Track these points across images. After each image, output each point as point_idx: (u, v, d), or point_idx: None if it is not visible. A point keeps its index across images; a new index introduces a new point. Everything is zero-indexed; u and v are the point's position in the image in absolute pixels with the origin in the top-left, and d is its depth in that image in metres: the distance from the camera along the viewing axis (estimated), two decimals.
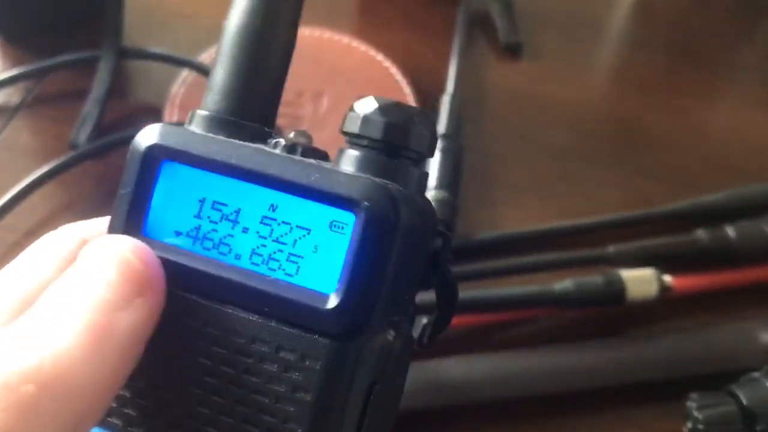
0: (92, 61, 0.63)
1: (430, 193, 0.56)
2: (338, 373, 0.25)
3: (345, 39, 0.67)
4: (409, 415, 0.47)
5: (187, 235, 0.27)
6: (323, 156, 0.27)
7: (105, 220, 0.29)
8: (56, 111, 0.63)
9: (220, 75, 0.28)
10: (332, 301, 0.25)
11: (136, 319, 0.25)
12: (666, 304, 0.54)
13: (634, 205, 0.60)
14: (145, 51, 0.65)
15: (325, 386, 0.25)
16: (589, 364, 0.51)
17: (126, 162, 0.27)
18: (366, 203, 0.24)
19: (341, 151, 0.27)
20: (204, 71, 0.63)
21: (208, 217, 0.26)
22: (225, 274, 0.26)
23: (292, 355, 0.25)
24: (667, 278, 0.54)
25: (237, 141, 0.26)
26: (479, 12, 0.73)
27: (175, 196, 0.27)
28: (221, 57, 0.28)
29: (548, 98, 0.68)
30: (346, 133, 0.27)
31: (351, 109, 0.27)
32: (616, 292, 0.53)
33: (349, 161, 0.26)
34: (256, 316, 0.25)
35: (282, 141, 0.26)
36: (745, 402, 0.46)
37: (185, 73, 0.63)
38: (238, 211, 0.26)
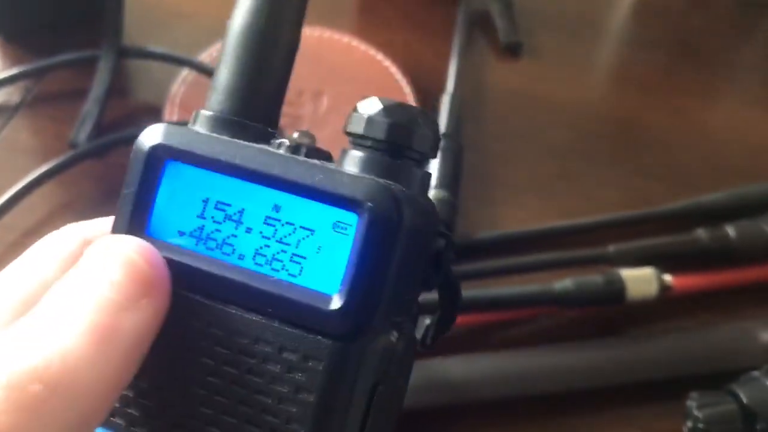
0: (92, 60, 0.63)
1: (430, 193, 0.56)
2: (341, 374, 0.25)
3: (345, 38, 0.67)
4: (409, 414, 0.47)
5: (191, 235, 0.27)
6: (327, 156, 0.27)
7: (107, 220, 0.29)
8: (56, 110, 0.63)
9: (223, 75, 0.28)
10: (335, 302, 0.25)
11: (141, 320, 0.25)
12: (666, 303, 0.54)
13: (634, 205, 0.60)
14: (145, 50, 0.65)
15: (327, 387, 0.25)
16: (589, 363, 0.51)
17: (129, 162, 0.27)
18: (369, 204, 0.24)
19: (344, 152, 0.27)
20: (204, 70, 0.63)
21: (212, 217, 0.26)
22: (228, 275, 0.26)
23: (295, 355, 0.25)
24: (667, 278, 0.54)
25: (241, 141, 0.26)
26: (479, 12, 0.73)
27: (179, 196, 0.27)
28: (225, 57, 0.28)
29: (548, 98, 0.68)
30: (349, 134, 0.27)
31: (355, 109, 0.27)
32: (616, 291, 0.53)
33: (352, 162, 0.26)
34: (260, 317, 0.25)
35: (286, 141, 0.26)
36: (745, 401, 0.46)
37: (185, 73, 0.63)
38: (241, 212, 0.26)
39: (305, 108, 0.63)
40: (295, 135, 0.27)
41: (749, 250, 0.56)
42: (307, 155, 0.26)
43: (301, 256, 0.25)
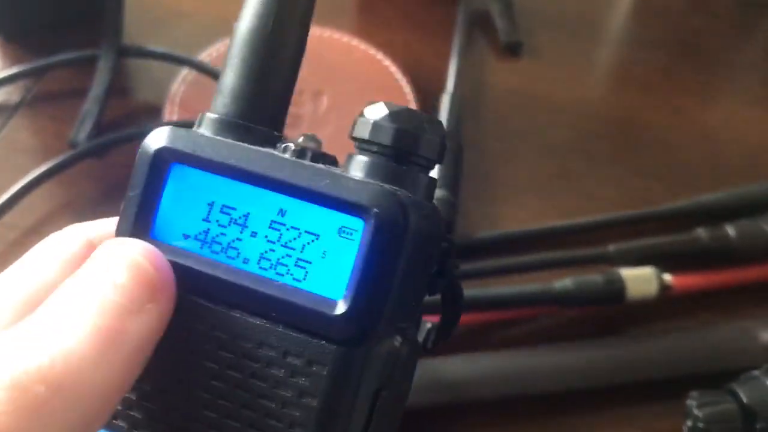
0: (92, 59, 0.63)
1: None
2: (345, 379, 0.25)
3: (345, 38, 0.67)
4: (410, 413, 0.47)
5: (196, 238, 0.27)
6: (332, 161, 0.27)
7: (110, 221, 0.29)
8: (56, 109, 0.63)
9: (229, 78, 0.28)
10: (340, 307, 0.25)
11: (146, 323, 0.25)
12: (666, 302, 0.54)
13: (634, 204, 0.60)
14: (145, 49, 0.65)
15: (331, 392, 0.25)
16: (589, 363, 0.51)
17: (134, 164, 0.27)
18: (375, 210, 0.24)
19: (350, 157, 0.27)
20: (204, 70, 0.62)
21: (217, 221, 0.26)
22: (233, 278, 0.26)
23: (299, 360, 0.25)
24: (667, 277, 0.54)
25: (246, 145, 0.26)
26: (479, 11, 0.73)
27: (184, 199, 0.27)
28: (231, 60, 0.28)
29: (548, 97, 0.68)
30: (355, 139, 0.27)
31: (361, 114, 0.27)
32: (616, 290, 0.53)
33: (358, 167, 0.26)
34: (264, 321, 0.25)
35: (291, 145, 0.26)
36: (745, 400, 0.46)
37: (185, 72, 0.63)
38: (246, 215, 0.26)
39: (305, 107, 0.63)
40: (301, 139, 0.27)
41: (749, 249, 0.56)
42: (312, 159, 0.26)
43: (306, 261, 0.25)
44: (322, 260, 0.25)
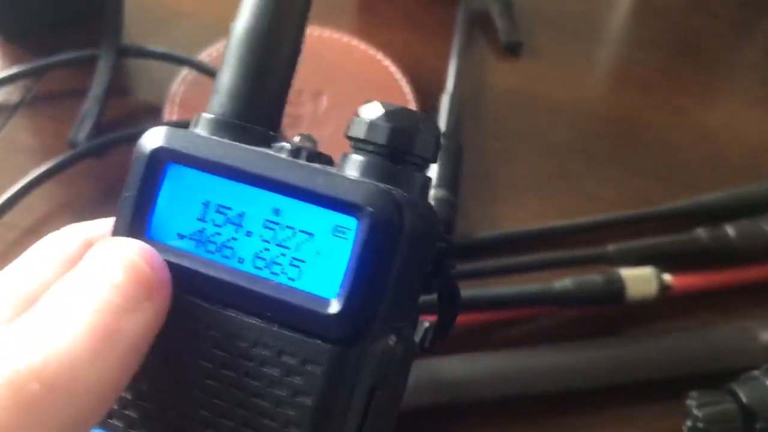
0: (92, 59, 0.63)
1: (430, 192, 0.56)
2: (339, 378, 0.25)
3: (345, 38, 0.67)
4: (409, 413, 0.48)
5: (191, 237, 0.27)
6: (328, 160, 0.27)
7: (108, 221, 0.29)
8: (55, 109, 0.63)
9: (226, 78, 0.28)
10: (334, 306, 0.25)
11: (142, 322, 0.25)
12: (666, 302, 0.54)
13: (634, 204, 0.60)
14: (145, 49, 0.65)
15: (326, 391, 0.25)
16: (588, 362, 0.51)
17: (131, 164, 0.27)
18: (369, 208, 0.24)
19: (345, 156, 0.27)
20: (204, 70, 0.62)
21: (212, 221, 0.26)
22: (228, 278, 0.26)
23: (294, 359, 0.25)
24: (667, 277, 0.54)
25: (242, 144, 0.27)
26: (479, 11, 0.73)
27: (180, 199, 0.27)
28: (228, 60, 0.28)
29: (548, 97, 0.68)
30: (351, 138, 0.27)
31: (356, 114, 0.27)
32: (615, 290, 0.53)
33: (353, 166, 0.26)
34: (259, 320, 0.25)
35: (287, 145, 0.26)
36: (744, 400, 0.46)
37: (185, 72, 0.63)
38: (242, 215, 0.26)
39: (305, 107, 0.63)
40: (297, 139, 0.27)
41: (749, 249, 0.56)
42: (308, 159, 0.26)
43: (301, 260, 0.25)
44: (316, 259, 0.25)
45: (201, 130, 0.28)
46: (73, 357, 0.23)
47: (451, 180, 0.58)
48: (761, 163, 0.64)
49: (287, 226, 0.25)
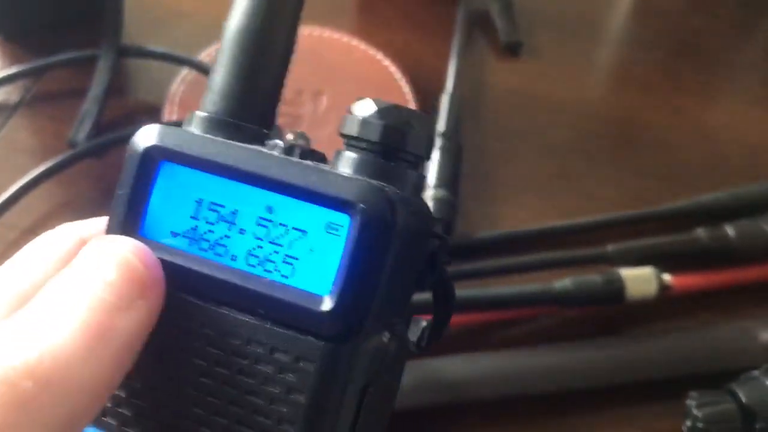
0: (91, 59, 0.63)
1: (430, 192, 0.56)
2: (332, 375, 0.25)
3: (345, 38, 0.67)
4: (409, 412, 0.48)
5: (184, 235, 0.27)
6: (321, 158, 0.27)
7: (102, 220, 0.29)
8: (55, 109, 0.63)
9: (219, 76, 0.28)
10: (327, 303, 0.25)
11: (135, 320, 0.25)
12: (665, 302, 0.54)
13: (634, 204, 0.60)
14: (145, 49, 0.65)
15: (319, 388, 0.25)
16: (588, 362, 0.51)
17: (124, 162, 0.27)
18: (362, 205, 0.24)
19: (339, 153, 0.27)
20: (203, 70, 0.62)
21: (205, 218, 0.26)
22: (221, 275, 0.26)
23: (287, 356, 0.25)
24: (667, 277, 0.54)
25: (235, 142, 0.26)
26: (479, 11, 0.73)
27: (173, 197, 0.27)
28: (221, 58, 0.28)
29: (548, 97, 0.68)
30: (344, 135, 0.27)
31: (349, 111, 0.27)
32: (615, 291, 0.53)
33: (346, 163, 0.26)
34: (252, 318, 0.25)
35: (280, 143, 0.26)
36: (744, 400, 0.46)
37: (185, 72, 0.63)
38: (234, 213, 0.26)
39: (305, 107, 0.63)
40: (290, 136, 0.27)
41: (749, 249, 0.56)
42: (301, 156, 0.26)
43: (294, 257, 0.25)
44: (309, 256, 0.25)
45: (194, 128, 0.28)
46: (67, 355, 0.23)
47: (450, 180, 0.58)
48: (761, 163, 0.64)
49: (280, 224, 0.25)
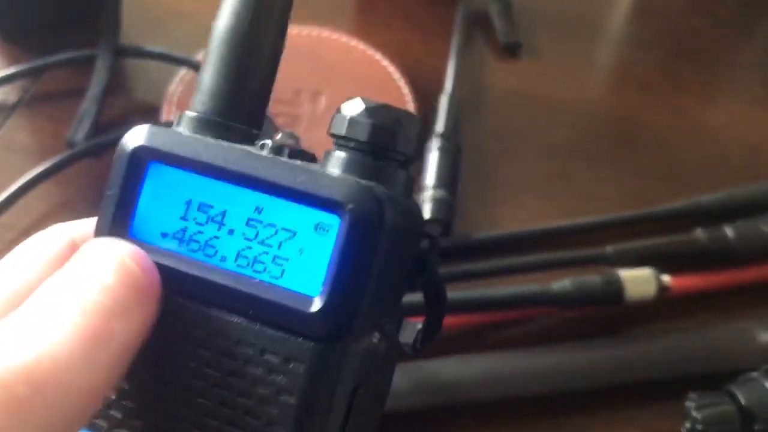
0: (90, 59, 0.63)
1: (429, 192, 0.56)
2: (322, 376, 0.25)
3: (343, 38, 0.67)
4: (402, 414, 0.47)
5: (174, 236, 0.26)
6: (311, 158, 0.27)
7: (93, 221, 0.29)
8: (53, 109, 0.63)
9: (207, 76, 0.28)
10: (316, 304, 0.24)
11: (132, 325, 0.24)
12: (664, 303, 0.54)
13: (633, 205, 0.60)
14: (143, 49, 0.65)
15: (308, 389, 0.25)
16: (587, 363, 0.51)
17: (113, 163, 0.27)
18: (350, 205, 0.24)
19: (328, 153, 0.27)
20: None
21: (194, 219, 0.26)
22: (210, 276, 0.26)
23: (277, 357, 0.25)
24: (666, 278, 0.54)
25: (224, 142, 0.26)
26: (478, 11, 0.73)
27: (162, 198, 0.27)
28: (209, 58, 0.28)
29: (547, 98, 0.68)
30: (333, 135, 0.26)
31: (338, 110, 0.26)
32: (614, 291, 0.53)
33: (335, 163, 0.26)
34: (241, 319, 0.25)
35: (269, 143, 0.26)
36: (743, 402, 0.46)
37: (183, 72, 0.63)
38: (224, 213, 0.26)
39: (303, 107, 0.62)
40: (279, 136, 0.27)
41: (748, 250, 0.56)
42: (290, 156, 0.26)
43: (283, 258, 0.25)
44: (299, 257, 0.25)
45: (183, 128, 0.28)
46: (63, 359, 0.23)
47: (449, 180, 0.58)
48: (761, 163, 0.64)
49: (269, 224, 0.25)
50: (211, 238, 0.26)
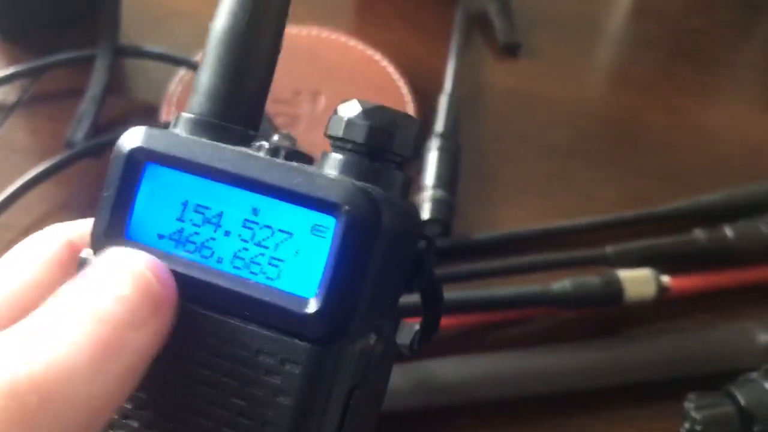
0: (89, 59, 0.63)
1: (428, 193, 0.56)
2: (318, 377, 0.25)
3: (343, 38, 0.67)
4: (400, 415, 0.47)
5: (170, 238, 0.26)
6: (307, 159, 0.27)
7: (91, 222, 0.29)
8: (53, 109, 0.63)
9: (205, 77, 0.28)
10: (312, 305, 0.24)
11: (146, 337, 0.24)
12: (664, 304, 0.54)
13: (633, 205, 0.60)
14: (142, 49, 0.65)
15: (304, 390, 0.25)
16: (586, 364, 0.51)
17: (109, 164, 0.27)
18: (346, 207, 0.24)
19: (325, 155, 0.27)
20: None
21: (191, 221, 0.26)
22: (206, 278, 0.25)
23: (272, 359, 0.25)
24: (665, 278, 0.54)
25: (220, 144, 0.26)
26: (477, 11, 0.73)
27: (158, 199, 0.27)
28: (206, 59, 0.28)
29: (547, 98, 0.68)
30: (329, 137, 0.26)
31: (335, 112, 0.26)
32: (614, 292, 0.53)
33: (332, 165, 0.26)
34: (237, 320, 0.25)
35: (265, 144, 0.26)
36: (742, 402, 0.46)
37: (182, 72, 0.63)
38: (220, 215, 0.26)
39: (303, 108, 0.62)
40: (276, 138, 0.27)
41: (747, 250, 0.56)
42: (287, 158, 0.26)
43: (279, 260, 0.25)
44: (295, 258, 0.25)
45: (180, 129, 0.28)
46: (75, 371, 0.22)
47: (449, 180, 0.58)
48: (761, 163, 0.64)
49: (266, 226, 0.25)
50: (207, 240, 0.26)
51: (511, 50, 0.71)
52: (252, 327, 0.25)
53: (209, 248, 0.26)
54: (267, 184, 0.25)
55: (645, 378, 0.52)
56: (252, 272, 0.25)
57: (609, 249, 0.56)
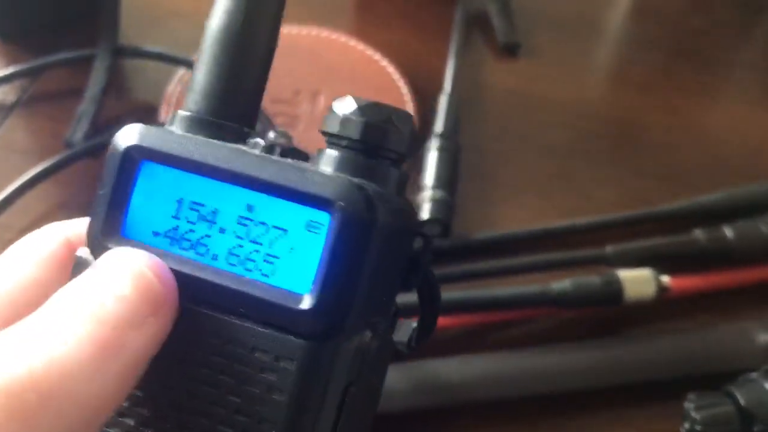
0: (88, 59, 0.63)
1: (428, 193, 0.56)
2: (313, 374, 0.25)
3: (342, 38, 0.67)
4: (402, 414, 0.47)
5: (165, 235, 0.26)
6: (303, 156, 0.27)
7: (88, 220, 0.29)
8: (52, 109, 0.63)
9: (200, 75, 0.28)
10: (307, 302, 0.24)
11: (147, 338, 0.24)
12: (664, 304, 0.54)
13: (633, 205, 0.60)
14: (142, 49, 0.65)
15: (300, 387, 0.25)
16: (586, 364, 0.51)
17: (105, 162, 0.27)
18: (341, 203, 0.24)
19: (320, 152, 0.27)
20: None
21: (186, 218, 0.26)
22: (202, 275, 0.25)
23: (268, 356, 0.25)
24: (665, 279, 0.54)
25: (216, 141, 0.26)
26: (477, 11, 0.73)
27: (154, 197, 0.26)
28: (202, 57, 0.28)
29: (546, 98, 0.68)
30: (325, 133, 0.26)
31: (330, 109, 0.26)
32: (613, 292, 0.53)
33: (327, 161, 0.26)
34: (232, 317, 0.25)
35: (261, 141, 0.26)
36: (742, 402, 0.46)
37: (182, 72, 0.63)
38: (215, 212, 0.26)
39: (302, 107, 0.62)
40: (271, 135, 0.27)
41: (747, 250, 0.56)
42: (282, 155, 0.26)
43: (274, 256, 0.25)
44: (290, 255, 0.25)
45: (176, 127, 0.28)
46: (74, 370, 0.22)
47: (448, 180, 0.58)
48: (761, 163, 0.64)
49: (261, 222, 0.25)
50: (202, 237, 0.26)
51: (511, 50, 0.71)
52: (247, 324, 0.25)
53: (204, 245, 0.26)
54: (261, 181, 0.25)
55: (645, 378, 0.52)
56: (247, 269, 0.25)
57: (609, 249, 0.56)
